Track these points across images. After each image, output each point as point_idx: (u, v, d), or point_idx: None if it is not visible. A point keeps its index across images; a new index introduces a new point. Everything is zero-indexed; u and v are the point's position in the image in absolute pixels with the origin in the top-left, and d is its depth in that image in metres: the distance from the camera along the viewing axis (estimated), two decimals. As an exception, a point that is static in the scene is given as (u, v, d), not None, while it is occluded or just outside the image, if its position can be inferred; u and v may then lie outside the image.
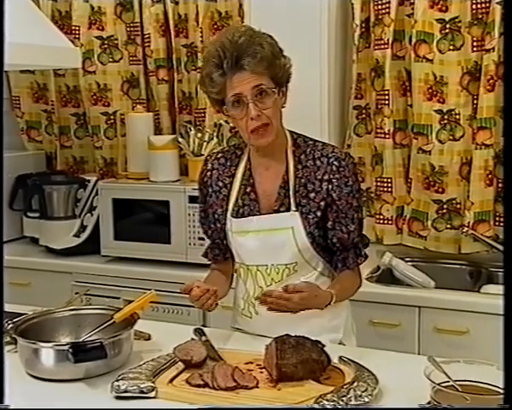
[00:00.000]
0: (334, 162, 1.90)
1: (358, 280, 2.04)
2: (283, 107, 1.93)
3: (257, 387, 1.60)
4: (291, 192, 1.92)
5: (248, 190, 1.98)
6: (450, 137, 2.89)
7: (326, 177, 1.90)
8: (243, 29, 1.86)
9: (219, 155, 2.07)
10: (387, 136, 2.98)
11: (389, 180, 3.03)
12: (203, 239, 2.87)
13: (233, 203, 1.98)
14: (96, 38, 3.54)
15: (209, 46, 1.94)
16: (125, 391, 1.58)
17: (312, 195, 1.91)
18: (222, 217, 2.01)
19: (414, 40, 2.85)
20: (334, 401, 1.47)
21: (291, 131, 1.99)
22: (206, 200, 2.06)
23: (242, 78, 1.80)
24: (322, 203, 1.91)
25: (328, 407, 1.46)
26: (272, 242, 1.92)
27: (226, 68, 1.81)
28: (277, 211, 1.93)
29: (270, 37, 1.88)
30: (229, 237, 2.00)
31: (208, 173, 2.05)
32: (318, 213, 1.91)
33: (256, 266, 1.96)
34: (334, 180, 1.90)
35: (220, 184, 2.02)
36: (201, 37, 3.31)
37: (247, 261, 1.98)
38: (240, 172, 2.00)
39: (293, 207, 1.91)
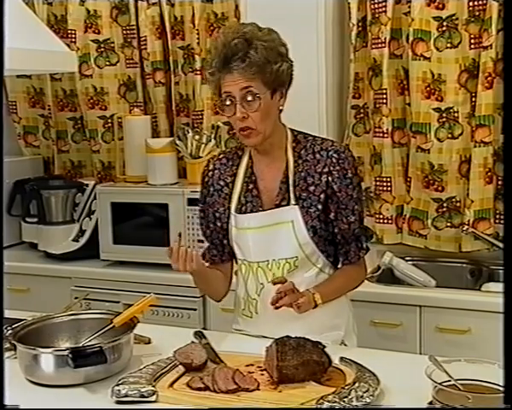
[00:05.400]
0: (334, 155, 1.92)
1: (361, 273, 2.05)
2: (281, 109, 1.94)
3: (258, 389, 1.59)
4: (290, 186, 1.93)
5: (250, 187, 1.99)
6: (449, 136, 2.88)
7: (326, 169, 1.92)
8: (244, 30, 1.85)
9: (221, 155, 2.10)
10: (386, 135, 2.97)
11: (388, 179, 3.02)
12: (202, 242, 2.85)
13: (236, 201, 2.00)
14: (93, 41, 3.54)
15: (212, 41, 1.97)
16: (126, 396, 1.57)
17: (312, 188, 1.93)
18: (224, 216, 2.02)
19: (411, 38, 2.85)
20: (335, 402, 1.47)
21: (292, 129, 2.00)
22: (205, 200, 2.08)
23: (232, 78, 1.83)
24: (322, 196, 1.92)
25: (337, 406, 1.46)
26: (273, 236, 1.93)
27: (215, 68, 1.86)
28: (279, 206, 1.94)
29: (275, 40, 1.87)
30: (233, 233, 2.01)
31: (210, 173, 2.07)
32: (319, 207, 1.92)
33: (257, 262, 1.97)
34: (334, 172, 1.92)
35: (222, 183, 2.04)
36: (198, 38, 3.30)
37: (248, 258, 1.98)
38: (242, 171, 2.02)
39: (292, 201, 1.93)
